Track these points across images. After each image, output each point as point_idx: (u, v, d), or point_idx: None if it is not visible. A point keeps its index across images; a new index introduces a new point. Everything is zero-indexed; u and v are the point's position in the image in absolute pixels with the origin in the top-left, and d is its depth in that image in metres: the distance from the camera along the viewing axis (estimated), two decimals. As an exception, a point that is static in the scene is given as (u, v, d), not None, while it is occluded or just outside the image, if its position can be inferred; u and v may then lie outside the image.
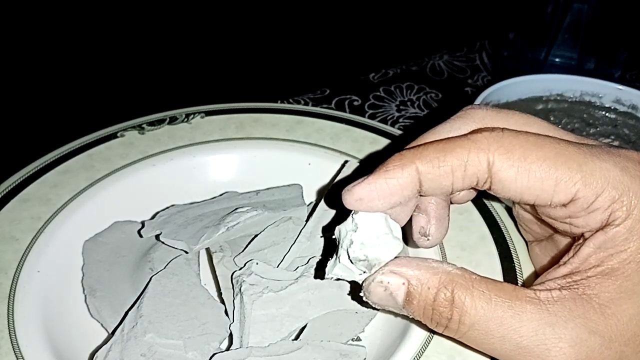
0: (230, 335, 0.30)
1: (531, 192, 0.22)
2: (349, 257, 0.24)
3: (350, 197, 0.24)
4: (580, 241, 0.23)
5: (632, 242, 0.21)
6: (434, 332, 0.28)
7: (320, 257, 0.32)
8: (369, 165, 0.27)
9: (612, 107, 0.46)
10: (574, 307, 0.21)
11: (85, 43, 1.08)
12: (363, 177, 0.24)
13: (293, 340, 0.29)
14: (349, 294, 0.30)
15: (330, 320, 0.30)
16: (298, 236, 0.34)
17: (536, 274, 0.31)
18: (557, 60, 0.55)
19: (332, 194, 0.36)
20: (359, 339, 0.32)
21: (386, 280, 0.23)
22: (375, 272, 0.24)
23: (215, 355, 0.27)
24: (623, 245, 0.21)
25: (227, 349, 0.30)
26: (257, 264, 0.31)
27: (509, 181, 0.22)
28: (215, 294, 0.33)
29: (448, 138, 0.23)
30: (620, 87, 0.46)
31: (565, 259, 0.23)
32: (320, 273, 0.30)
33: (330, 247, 0.31)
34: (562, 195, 0.22)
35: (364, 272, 0.24)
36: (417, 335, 0.28)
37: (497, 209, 0.35)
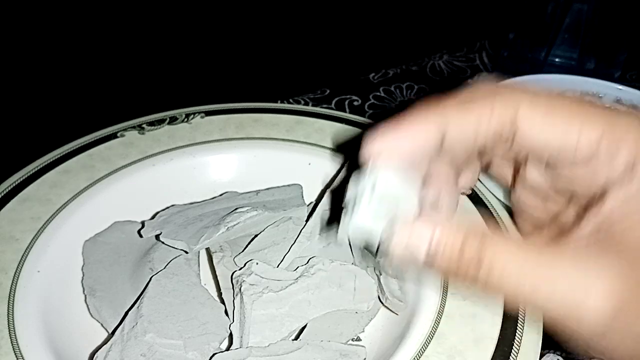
0: (230, 335, 0.30)
1: (554, 143, 0.22)
2: (366, 213, 0.23)
3: (372, 147, 0.23)
4: (599, 198, 0.23)
5: None
6: (434, 332, 0.28)
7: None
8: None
9: (612, 107, 0.46)
10: (606, 256, 0.21)
11: (85, 43, 1.08)
12: (384, 128, 0.23)
13: (293, 340, 0.29)
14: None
15: (330, 320, 0.30)
16: (298, 236, 0.34)
17: None
18: (557, 60, 0.55)
19: (334, 192, 0.36)
20: (359, 339, 0.32)
21: (408, 233, 0.22)
22: (396, 226, 0.22)
23: (215, 355, 0.27)
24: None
25: (227, 349, 0.30)
26: (257, 264, 0.31)
27: (534, 131, 0.22)
28: (215, 294, 0.33)
29: (473, 88, 0.23)
30: (620, 87, 0.46)
31: (588, 217, 0.23)
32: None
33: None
34: (586, 146, 0.22)
35: (383, 229, 0.23)
36: (417, 335, 0.28)
37: (497, 209, 0.35)
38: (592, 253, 0.21)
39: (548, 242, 0.22)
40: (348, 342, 0.30)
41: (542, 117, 0.22)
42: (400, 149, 0.23)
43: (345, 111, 0.56)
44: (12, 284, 0.30)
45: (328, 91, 0.60)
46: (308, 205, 0.37)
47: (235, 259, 0.33)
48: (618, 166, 0.22)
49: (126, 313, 0.30)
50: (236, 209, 0.36)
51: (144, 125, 0.41)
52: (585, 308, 0.20)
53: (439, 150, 0.24)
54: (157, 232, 0.34)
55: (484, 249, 0.21)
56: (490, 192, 0.37)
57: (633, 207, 0.21)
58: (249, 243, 0.34)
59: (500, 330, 0.28)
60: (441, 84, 0.63)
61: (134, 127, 0.41)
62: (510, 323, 0.29)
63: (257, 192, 0.38)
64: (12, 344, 0.27)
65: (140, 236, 0.35)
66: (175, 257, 0.33)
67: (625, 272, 0.20)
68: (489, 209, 0.36)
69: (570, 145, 0.22)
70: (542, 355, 0.33)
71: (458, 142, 0.23)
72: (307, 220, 0.35)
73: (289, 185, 0.39)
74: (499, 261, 0.21)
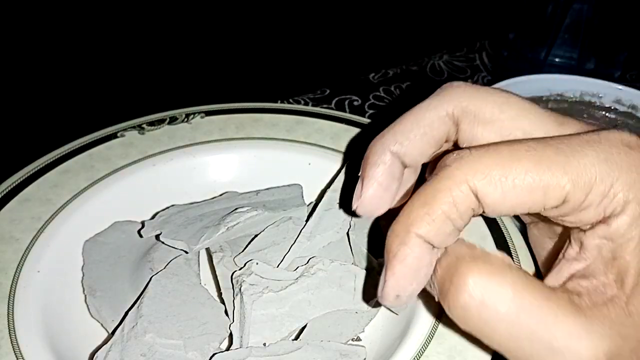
0: (230, 335, 0.30)
1: (522, 206, 0.22)
2: None
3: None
4: (581, 232, 0.23)
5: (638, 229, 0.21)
6: (434, 332, 0.28)
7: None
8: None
9: (612, 107, 0.46)
10: (607, 313, 0.20)
11: (85, 43, 1.08)
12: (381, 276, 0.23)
13: (293, 340, 0.29)
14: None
15: (330, 320, 0.30)
16: (298, 236, 0.34)
17: (533, 258, 0.30)
18: (557, 60, 0.55)
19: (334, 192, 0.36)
20: (359, 339, 0.32)
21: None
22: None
23: (215, 355, 0.27)
24: (629, 232, 0.21)
25: (227, 349, 0.30)
26: (257, 264, 0.31)
27: (498, 203, 0.22)
28: (215, 294, 0.33)
29: (426, 185, 0.22)
30: (620, 87, 0.46)
31: (572, 252, 0.23)
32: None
33: None
34: (554, 200, 0.22)
35: None
36: (417, 335, 0.28)
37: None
38: (594, 314, 0.20)
39: (553, 296, 0.21)
40: (348, 342, 0.30)
41: (501, 190, 0.21)
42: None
43: (345, 111, 0.56)
44: (12, 284, 0.30)
45: (328, 91, 0.60)
46: (308, 205, 0.37)
47: (235, 259, 0.33)
48: (588, 211, 0.22)
49: (126, 313, 0.30)
50: (236, 209, 0.36)
51: (144, 125, 0.41)
52: None
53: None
54: (157, 232, 0.34)
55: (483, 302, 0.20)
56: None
57: (617, 245, 0.21)
58: (249, 243, 0.34)
59: (500, 330, 0.28)
60: (441, 84, 0.63)
61: (134, 127, 0.41)
62: (510, 323, 0.28)
63: (257, 192, 0.38)
64: (12, 344, 0.27)
65: (140, 236, 0.35)
66: (175, 257, 0.33)
67: (621, 335, 0.20)
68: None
69: (538, 205, 0.22)
70: (542, 355, 0.33)
71: (447, 241, 0.22)
72: (307, 220, 0.35)
73: (289, 185, 0.39)
74: (506, 296, 0.20)
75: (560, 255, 0.24)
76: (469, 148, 0.22)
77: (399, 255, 0.22)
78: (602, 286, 0.21)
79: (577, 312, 0.20)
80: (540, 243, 0.30)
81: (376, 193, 0.26)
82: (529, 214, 0.27)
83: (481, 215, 0.23)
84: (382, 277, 0.23)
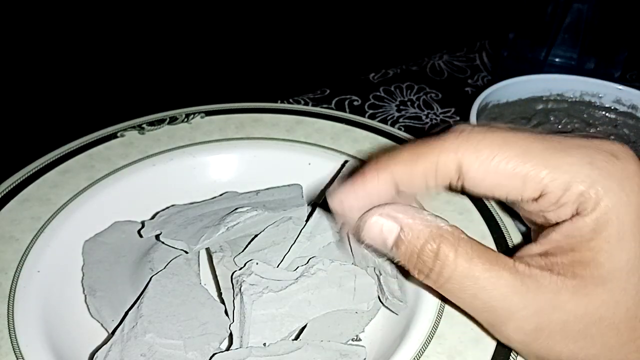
0: (230, 335, 0.30)
1: (501, 189, 0.23)
2: None
3: (336, 205, 0.26)
4: (550, 229, 0.24)
5: (601, 232, 0.22)
6: (434, 332, 0.28)
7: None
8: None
9: (612, 107, 0.46)
10: (546, 284, 0.22)
11: (85, 43, 1.08)
12: (345, 188, 0.25)
13: (293, 340, 0.29)
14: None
15: (330, 320, 0.30)
16: (298, 236, 0.34)
17: None
18: (557, 60, 0.55)
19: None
20: (359, 339, 0.32)
21: (381, 221, 0.24)
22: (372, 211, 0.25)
23: (215, 355, 0.27)
24: (592, 234, 0.22)
25: (227, 349, 0.30)
26: (257, 264, 0.31)
27: (479, 180, 0.23)
28: (215, 294, 0.34)
29: (421, 140, 0.25)
30: (620, 87, 0.46)
31: (539, 239, 0.25)
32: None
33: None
34: (531, 191, 0.23)
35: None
36: (417, 335, 0.28)
37: (497, 209, 0.35)
38: (531, 282, 0.22)
39: (498, 261, 0.23)
40: (348, 342, 0.30)
41: (485, 168, 0.23)
42: (359, 207, 0.26)
43: (345, 111, 0.56)
44: (12, 284, 0.30)
45: (328, 91, 0.60)
46: (308, 205, 0.37)
47: (235, 259, 0.33)
48: (565, 209, 0.23)
49: (126, 313, 0.30)
50: (236, 209, 0.36)
51: (144, 125, 0.41)
52: (507, 327, 0.23)
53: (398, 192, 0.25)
54: (157, 232, 0.34)
55: (442, 248, 0.23)
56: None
57: (577, 241, 0.23)
58: (249, 243, 0.34)
59: (500, 330, 0.28)
60: (441, 84, 0.63)
61: (134, 127, 0.41)
62: (510, 323, 0.28)
63: (257, 192, 0.38)
64: (12, 344, 0.27)
65: (140, 236, 0.35)
66: (175, 257, 0.33)
67: (553, 305, 0.22)
68: (488, 208, 0.36)
69: (516, 192, 0.23)
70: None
71: (411, 191, 0.25)
72: (307, 220, 0.35)
73: (289, 185, 0.39)
74: (448, 270, 0.23)
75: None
76: (472, 127, 0.24)
77: (366, 175, 0.25)
78: (553, 266, 0.23)
79: (514, 275, 0.23)
80: None
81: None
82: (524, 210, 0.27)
83: (464, 192, 0.25)
84: (344, 182, 0.26)
